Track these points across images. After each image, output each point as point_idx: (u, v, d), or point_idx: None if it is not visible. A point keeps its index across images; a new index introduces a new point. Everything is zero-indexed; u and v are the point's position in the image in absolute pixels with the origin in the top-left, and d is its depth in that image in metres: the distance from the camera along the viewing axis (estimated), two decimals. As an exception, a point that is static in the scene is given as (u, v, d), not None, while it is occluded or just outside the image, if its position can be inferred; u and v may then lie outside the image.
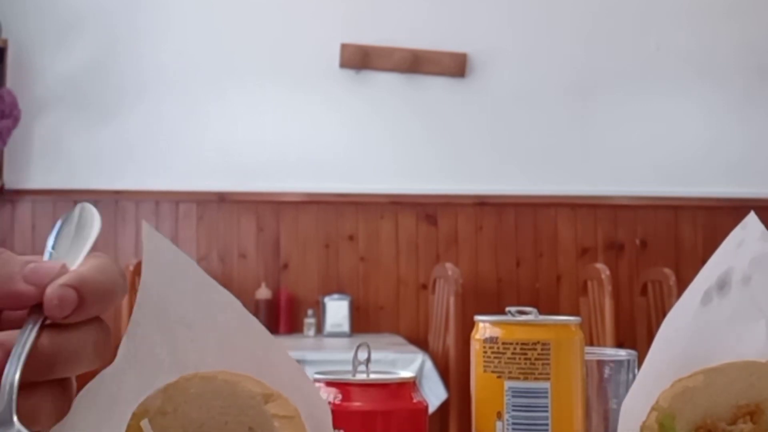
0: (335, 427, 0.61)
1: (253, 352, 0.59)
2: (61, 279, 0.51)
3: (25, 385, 0.49)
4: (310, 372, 0.65)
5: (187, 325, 0.58)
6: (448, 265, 3.92)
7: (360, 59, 4.51)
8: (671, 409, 0.61)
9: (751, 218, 0.66)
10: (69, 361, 0.51)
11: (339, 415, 0.65)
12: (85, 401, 0.56)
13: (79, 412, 0.55)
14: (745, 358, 0.63)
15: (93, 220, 0.56)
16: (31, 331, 0.50)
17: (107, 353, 0.55)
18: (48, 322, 0.51)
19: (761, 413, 0.60)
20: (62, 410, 0.53)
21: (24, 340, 0.49)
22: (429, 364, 3.64)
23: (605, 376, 0.79)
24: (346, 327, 4.22)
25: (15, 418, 0.48)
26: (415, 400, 0.70)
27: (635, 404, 0.65)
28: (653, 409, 0.62)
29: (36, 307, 0.51)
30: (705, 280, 0.67)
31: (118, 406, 0.57)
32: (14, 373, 0.48)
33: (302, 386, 0.59)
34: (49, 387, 0.52)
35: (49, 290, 0.50)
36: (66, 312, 0.50)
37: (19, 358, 0.49)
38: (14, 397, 0.48)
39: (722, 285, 0.66)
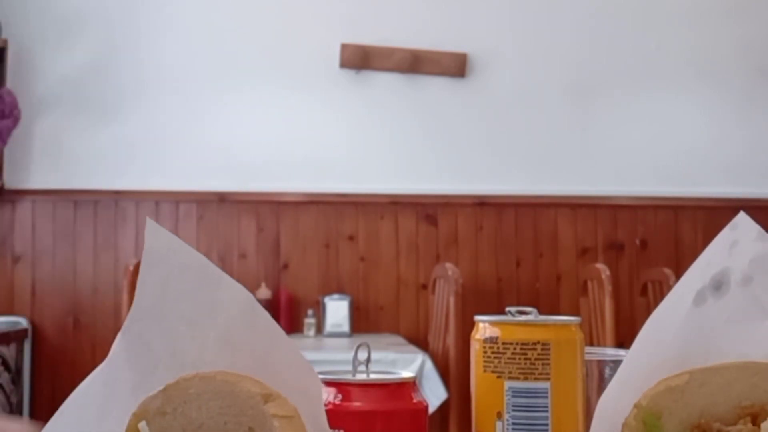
0: (335, 427, 0.61)
1: (255, 349, 0.59)
2: None
3: None
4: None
5: (188, 322, 0.58)
6: (448, 265, 3.91)
7: (360, 59, 4.51)
8: (657, 407, 0.61)
9: (742, 218, 0.66)
10: None
11: (339, 415, 0.65)
12: (79, 400, 0.55)
13: (73, 411, 0.54)
14: (748, 358, 0.62)
15: None
16: None
17: None
18: None
19: (766, 415, 0.60)
20: None
21: None
22: (429, 364, 3.63)
23: (605, 376, 0.79)
24: (346, 327, 4.22)
25: None
26: (415, 400, 0.70)
27: (614, 404, 0.64)
28: (634, 406, 0.62)
29: None
30: (695, 280, 0.66)
31: (115, 404, 0.56)
32: None
33: (307, 382, 0.59)
34: None
35: None
36: None
37: None
38: None
39: (718, 285, 0.65)
